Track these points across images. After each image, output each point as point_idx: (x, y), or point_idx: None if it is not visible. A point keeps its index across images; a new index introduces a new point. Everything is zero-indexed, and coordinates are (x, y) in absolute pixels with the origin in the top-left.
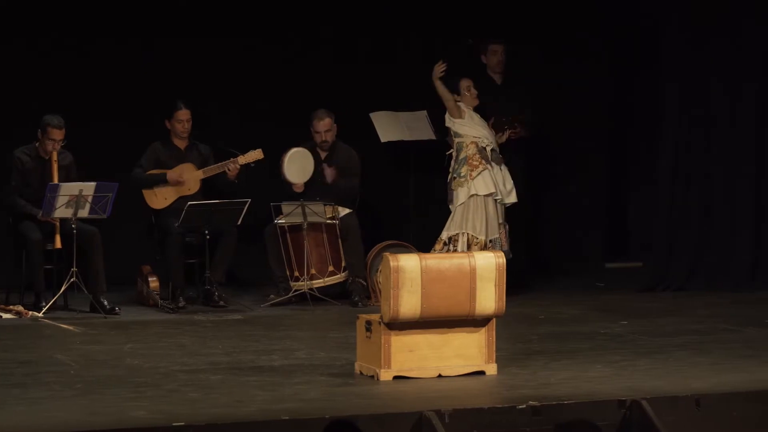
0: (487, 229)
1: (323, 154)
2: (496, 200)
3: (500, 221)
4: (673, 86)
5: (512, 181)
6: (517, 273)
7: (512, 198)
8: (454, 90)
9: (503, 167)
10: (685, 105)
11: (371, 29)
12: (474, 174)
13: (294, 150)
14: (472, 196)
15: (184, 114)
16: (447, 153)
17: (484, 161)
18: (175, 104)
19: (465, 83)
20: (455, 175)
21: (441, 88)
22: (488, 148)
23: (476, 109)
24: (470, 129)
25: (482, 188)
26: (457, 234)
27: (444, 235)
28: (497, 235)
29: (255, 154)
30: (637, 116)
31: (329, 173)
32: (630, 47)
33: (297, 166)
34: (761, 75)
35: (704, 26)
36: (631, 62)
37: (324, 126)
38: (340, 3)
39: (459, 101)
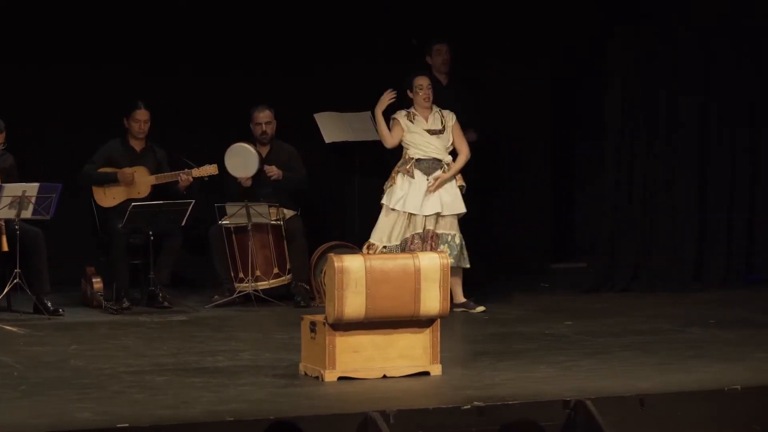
0: (388, 236)
1: (264, 150)
2: (406, 212)
3: (418, 231)
4: (616, 88)
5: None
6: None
7: (426, 211)
8: (407, 86)
9: (431, 178)
10: (629, 107)
11: (315, 30)
12: (388, 184)
13: (234, 145)
14: (382, 204)
15: (142, 114)
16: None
17: (398, 174)
18: (135, 103)
19: (418, 81)
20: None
21: (381, 122)
22: (413, 160)
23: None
24: (408, 137)
25: (387, 199)
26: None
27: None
28: (397, 243)
29: (210, 169)
30: (582, 117)
31: (273, 171)
32: (575, 45)
33: (238, 159)
34: (704, 78)
35: (649, 27)
36: (576, 61)
37: (264, 117)
38: (281, 4)
39: (410, 97)
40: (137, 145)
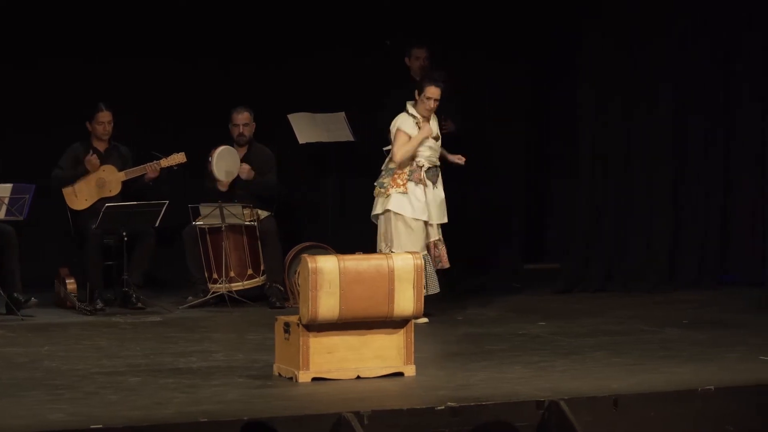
0: (407, 245)
1: (241, 151)
2: (419, 219)
3: (432, 239)
4: (589, 88)
5: (444, 201)
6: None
7: (443, 219)
8: (419, 91)
9: (438, 186)
10: (603, 107)
11: (288, 30)
12: (392, 191)
13: (224, 147)
14: (387, 211)
15: (105, 116)
16: (384, 149)
17: (410, 182)
18: (96, 106)
19: (429, 91)
20: (376, 183)
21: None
22: (423, 168)
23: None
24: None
25: (396, 206)
26: (381, 246)
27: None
28: (424, 253)
29: (178, 158)
30: (555, 117)
31: (244, 171)
32: (554, 44)
33: (225, 163)
34: (681, 78)
35: (623, 26)
36: (554, 61)
37: (242, 119)
38: (256, 4)
39: (414, 105)
40: (101, 146)
